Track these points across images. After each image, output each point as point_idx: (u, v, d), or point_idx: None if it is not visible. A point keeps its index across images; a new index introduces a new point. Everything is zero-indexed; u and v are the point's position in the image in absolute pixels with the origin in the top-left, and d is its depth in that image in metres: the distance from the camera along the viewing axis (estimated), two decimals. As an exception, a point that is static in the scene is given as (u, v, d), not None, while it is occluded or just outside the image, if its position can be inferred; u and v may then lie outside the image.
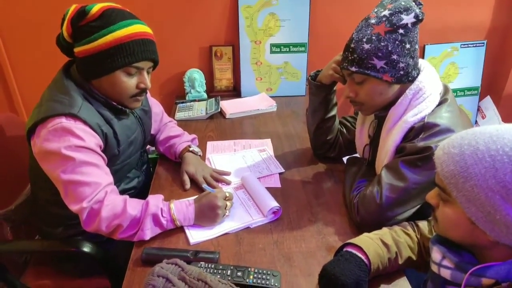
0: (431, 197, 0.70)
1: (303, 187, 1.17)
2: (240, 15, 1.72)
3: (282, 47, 1.79)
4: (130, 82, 1.02)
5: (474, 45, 1.90)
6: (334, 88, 1.18)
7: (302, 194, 1.13)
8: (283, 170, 1.24)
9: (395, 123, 0.97)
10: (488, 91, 2.02)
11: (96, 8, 0.96)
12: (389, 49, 0.91)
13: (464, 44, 1.90)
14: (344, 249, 0.82)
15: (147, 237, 0.95)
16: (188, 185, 1.16)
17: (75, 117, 0.95)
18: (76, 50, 0.98)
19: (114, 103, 1.05)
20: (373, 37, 0.91)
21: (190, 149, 1.26)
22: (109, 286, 1.10)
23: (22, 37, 1.70)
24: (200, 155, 1.28)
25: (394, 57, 0.91)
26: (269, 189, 1.11)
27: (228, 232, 0.99)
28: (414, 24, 0.90)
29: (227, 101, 1.75)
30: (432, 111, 0.93)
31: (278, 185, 1.18)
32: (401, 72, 0.93)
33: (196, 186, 1.17)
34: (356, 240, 0.83)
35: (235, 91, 1.88)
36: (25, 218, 1.20)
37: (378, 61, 0.92)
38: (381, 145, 1.02)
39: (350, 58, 0.96)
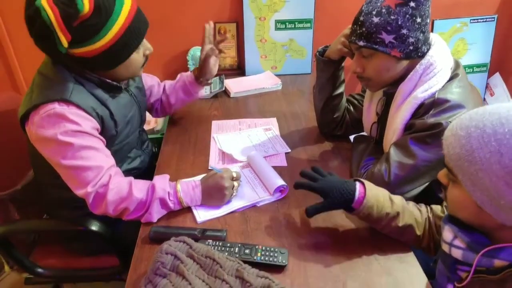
0: (441, 176, 0.69)
1: (309, 166, 1.15)
2: (244, -10, 1.67)
3: (287, 23, 1.75)
4: (140, 56, 1.01)
5: (484, 20, 1.85)
6: (342, 64, 1.16)
7: (309, 173, 1.13)
8: (289, 150, 1.23)
9: (404, 99, 0.95)
10: (497, 68, 1.98)
11: (86, 3, 0.85)
12: (399, 23, 0.88)
13: (474, 19, 1.84)
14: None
15: (155, 220, 0.96)
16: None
17: (67, 102, 0.92)
18: (77, 51, 0.90)
19: (108, 80, 1.01)
20: (383, 10, 0.88)
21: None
22: (118, 263, 1.12)
23: (22, 14, 1.66)
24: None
25: (404, 31, 0.88)
26: (275, 168, 1.11)
27: (235, 211, 0.99)
28: None
29: (231, 79, 1.72)
30: (443, 86, 0.91)
31: (285, 164, 1.17)
32: (411, 48, 0.91)
33: (203, 166, 1.16)
34: (365, 181, 0.86)
35: (239, 70, 1.85)
36: (32, 198, 1.20)
37: (387, 35, 0.89)
38: (390, 123, 1.00)
39: (358, 31, 0.93)
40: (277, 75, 1.76)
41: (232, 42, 1.79)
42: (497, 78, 1.95)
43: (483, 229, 0.66)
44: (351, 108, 1.25)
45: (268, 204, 1.01)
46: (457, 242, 0.67)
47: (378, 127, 1.09)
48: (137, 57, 1.00)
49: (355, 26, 0.95)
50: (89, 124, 0.95)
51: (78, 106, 0.93)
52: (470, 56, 1.91)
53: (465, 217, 0.66)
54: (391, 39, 0.89)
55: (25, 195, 1.21)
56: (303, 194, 1.03)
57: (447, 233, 0.69)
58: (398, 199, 0.86)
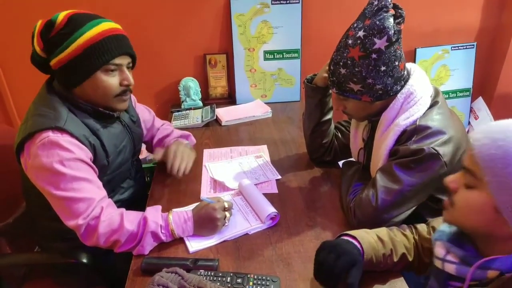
0: (451, 181, 0.68)
1: (300, 192, 1.18)
2: (233, 23, 1.73)
3: (275, 53, 1.81)
4: (112, 81, 1.00)
5: (465, 47, 1.94)
6: (330, 91, 1.20)
7: (299, 199, 1.14)
8: (279, 176, 1.25)
9: (387, 126, 0.99)
10: (479, 92, 2.05)
11: (61, 16, 0.96)
12: (363, 74, 0.93)
13: (455, 47, 1.93)
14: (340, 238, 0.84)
15: (146, 252, 0.96)
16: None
17: (61, 130, 0.94)
18: (53, 63, 0.97)
19: (101, 109, 1.03)
20: (348, 62, 0.94)
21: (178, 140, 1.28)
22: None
23: (16, 47, 1.70)
24: (190, 148, 1.29)
25: (369, 81, 0.94)
26: (266, 195, 1.12)
27: (227, 240, 1.00)
28: (388, 46, 0.91)
29: (222, 108, 1.76)
30: (424, 113, 0.95)
31: (275, 190, 1.18)
32: (380, 92, 0.96)
33: (195, 195, 1.17)
34: (352, 232, 0.85)
35: (230, 99, 1.90)
36: (23, 231, 1.20)
37: (354, 85, 0.95)
38: (375, 149, 1.03)
39: (331, 78, 1.01)
40: (267, 103, 1.80)
41: (223, 72, 1.85)
42: (480, 102, 2.01)
43: (483, 239, 0.66)
44: (339, 134, 1.29)
45: (259, 232, 1.02)
46: (450, 257, 0.67)
47: (365, 153, 1.12)
48: (106, 79, 0.99)
49: (329, 71, 1.01)
50: (82, 152, 0.97)
51: (72, 134, 0.95)
52: (453, 82, 1.99)
53: (475, 223, 0.65)
54: (359, 88, 0.95)
55: (17, 228, 1.21)
56: (294, 221, 1.05)
57: (439, 249, 0.70)
58: (384, 233, 0.86)
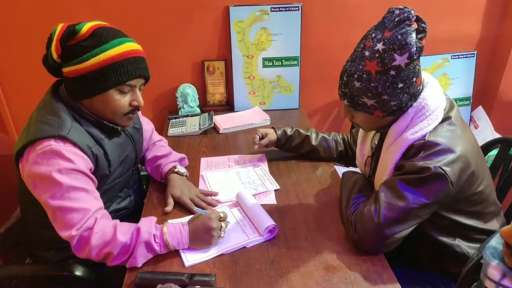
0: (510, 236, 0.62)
1: (299, 204, 1.15)
2: (232, 30, 1.72)
3: (274, 61, 1.79)
4: (123, 100, 1.01)
5: (465, 56, 1.92)
6: (286, 139, 1.34)
7: (298, 211, 1.12)
8: (278, 187, 1.22)
9: (395, 139, 0.95)
10: (479, 101, 2.04)
11: (86, 27, 0.94)
12: (379, 90, 0.88)
13: (455, 55, 1.92)
14: None
15: (140, 264, 0.93)
16: (170, 207, 1.12)
17: (64, 139, 0.93)
18: (66, 70, 0.96)
19: (106, 122, 1.03)
20: (364, 75, 0.88)
21: (175, 170, 1.23)
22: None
23: (12, 56, 1.68)
24: (186, 176, 1.25)
25: (385, 97, 0.89)
26: (264, 206, 1.10)
27: (223, 253, 0.97)
28: (408, 64, 0.85)
29: (220, 115, 1.74)
30: (434, 128, 0.90)
31: (274, 202, 1.16)
32: (394, 108, 0.92)
33: (183, 207, 1.14)
34: None
35: (228, 106, 1.88)
36: (15, 241, 1.17)
37: (368, 99, 0.90)
38: (381, 161, 1.00)
39: (342, 89, 0.95)
40: (266, 111, 1.79)
41: (221, 79, 1.83)
42: (480, 111, 2.00)
43: None
44: (352, 143, 1.29)
45: (257, 245, 0.99)
46: (506, 282, 0.63)
47: (372, 161, 1.09)
48: (118, 98, 0.99)
49: (340, 81, 0.96)
50: (83, 163, 0.95)
51: (75, 144, 0.94)
52: (453, 90, 1.97)
53: None
54: (373, 103, 0.91)
55: (8, 238, 1.17)
56: (293, 234, 1.03)
57: (494, 271, 0.65)
58: None
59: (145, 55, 1.03)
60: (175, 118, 1.74)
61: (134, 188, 1.24)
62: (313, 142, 1.32)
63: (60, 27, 0.95)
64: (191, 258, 0.95)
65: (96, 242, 0.91)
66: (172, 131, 1.61)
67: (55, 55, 0.95)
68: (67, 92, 1.00)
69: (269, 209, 1.09)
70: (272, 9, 1.71)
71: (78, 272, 0.98)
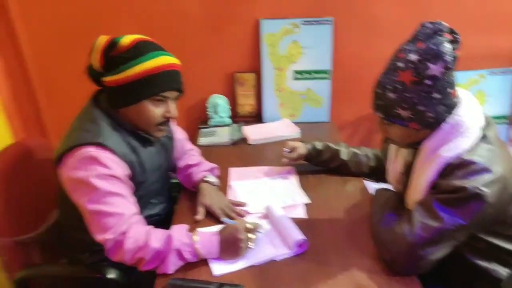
0: None
1: (328, 219, 1.14)
2: (263, 42, 1.75)
3: (304, 73, 1.80)
4: (156, 111, 1.04)
5: (502, 72, 1.87)
6: (315, 153, 1.34)
7: (328, 226, 1.11)
8: (308, 201, 1.22)
9: (429, 156, 0.92)
10: (517, 119, 1.96)
11: (128, 40, 0.99)
12: (415, 100, 0.86)
13: (491, 71, 1.86)
14: None
15: (170, 271, 0.95)
16: (201, 216, 1.14)
17: (102, 146, 0.97)
18: (106, 79, 1.01)
19: (140, 132, 1.07)
20: (398, 86, 0.87)
21: (207, 179, 1.25)
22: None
23: (54, 66, 1.78)
24: (217, 186, 1.26)
25: (421, 108, 0.87)
26: (294, 220, 1.10)
27: (252, 265, 0.97)
28: (443, 73, 0.84)
29: (250, 126, 1.76)
30: (471, 147, 0.87)
31: (304, 216, 1.15)
32: (430, 120, 0.89)
33: (212, 216, 1.15)
34: None
35: (257, 117, 1.90)
36: (53, 242, 1.22)
37: (403, 111, 0.88)
38: (415, 177, 0.98)
39: (376, 102, 0.94)
40: (295, 123, 1.79)
41: (251, 91, 1.86)
42: (518, 129, 1.92)
43: None
44: (384, 158, 1.25)
45: (286, 259, 0.99)
46: None
47: (405, 178, 1.05)
48: (152, 108, 1.03)
49: (374, 93, 0.95)
50: (120, 169, 0.99)
51: (112, 151, 0.98)
52: (489, 108, 1.91)
53: None
54: (409, 114, 0.88)
55: (46, 238, 1.23)
56: (323, 248, 1.02)
57: None
58: None
59: (180, 69, 1.07)
60: (206, 128, 1.77)
61: (166, 196, 1.28)
62: (343, 157, 1.31)
63: (103, 39, 1.00)
64: (219, 268, 0.96)
65: (129, 246, 0.94)
66: (202, 140, 1.65)
67: (97, 65, 1.01)
68: (106, 101, 1.05)
69: (298, 222, 1.09)
70: (303, 23, 1.72)
71: (111, 275, 1.01)
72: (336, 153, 1.32)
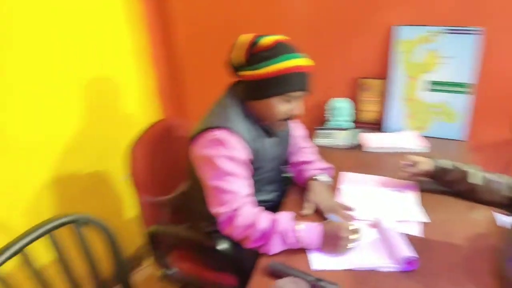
0: None
1: (446, 243, 1.04)
2: (396, 49, 1.67)
3: (441, 85, 1.66)
4: (282, 108, 1.12)
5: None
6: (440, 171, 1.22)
7: (445, 251, 1.01)
8: (428, 220, 1.13)
9: None
10: None
11: (270, 40, 1.08)
12: None
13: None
14: None
15: (271, 253, 1.01)
16: (307, 211, 1.17)
17: (230, 130, 1.08)
18: (242, 73, 1.13)
19: (263, 123, 1.17)
20: None
21: (319, 177, 1.27)
22: (236, 284, 1.19)
23: (200, 58, 2.04)
24: (328, 185, 1.27)
25: None
26: (408, 236, 1.04)
27: (352, 269, 0.96)
28: None
29: (370, 133, 1.70)
30: None
31: (419, 234, 1.07)
32: None
33: (317, 213, 1.17)
34: None
35: (379, 125, 1.82)
36: (180, 207, 1.41)
37: None
38: None
39: None
40: (421, 136, 1.66)
41: (376, 97, 1.79)
42: None
43: None
44: None
45: (390, 273, 0.95)
46: None
47: None
48: (278, 106, 1.11)
49: None
50: (244, 153, 1.10)
51: (239, 136, 1.09)
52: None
53: None
54: None
55: (176, 203, 1.43)
56: (435, 272, 0.94)
57: None
58: None
59: (310, 71, 1.12)
60: (323, 129, 1.79)
61: (279, 186, 1.34)
62: (474, 181, 1.17)
63: (248, 37, 1.11)
64: (318, 263, 0.98)
65: (239, 223, 1.03)
66: (318, 141, 1.67)
67: (238, 60, 1.12)
68: (240, 93, 1.17)
69: (412, 240, 1.02)
70: (445, 31, 1.58)
71: (221, 246, 1.13)
72: (465, 175, 1.19)
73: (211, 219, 1.17)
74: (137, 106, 1.94)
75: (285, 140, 1.31)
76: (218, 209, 1.06)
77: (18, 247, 0.88)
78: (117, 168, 1.70)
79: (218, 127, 1.09)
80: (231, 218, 1.05)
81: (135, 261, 1.92)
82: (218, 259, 1.23)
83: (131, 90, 1.89)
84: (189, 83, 2.13)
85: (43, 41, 1.40)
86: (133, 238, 1.67)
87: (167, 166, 1.45)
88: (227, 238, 1.11)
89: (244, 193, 1.08)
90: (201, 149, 1.10)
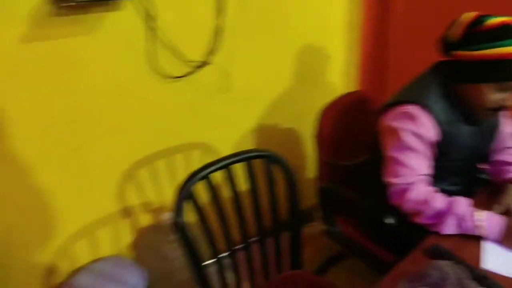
0: None
1: None
2: None
3: None
4: (492, 97, 1.02)
5: None
6: None
7: None
8: None
9: None
10: None
11: (496, 20, 0.98)
12: None
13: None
14: None
15: (443, 232, 0.98)
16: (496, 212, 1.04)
17: (425, 108, 1.06)
18: (459, 53, 1.03)
19: (467, 109, 1.08)
20: None
21: None
22: (391, 260, 1.19)
23: (409, 39, 1.96)
24: None
25: None
26: None
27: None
28: None
29: None
30: None
31: None
32: None
33: None
34: None
35: None
36: (360, 173, 1.45)
37: None
38: None
39: None
40: None
41: None
42: None
43: None
44: None
45: None
46: None
47: None
48: (489, 93, 1.01)
49: None
50: (431, 133, 1.07)
51: (432, 115, 1.06)
52: None
53: None
54: None
55: (356, 169, 1.48)
56: None
57: None
58: None
59: None
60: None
61: (465, 181, 1.23)
62: None
63: (470, 14, 1.03)
64: (491, 263, 0.90)
65: (411, 197, 1.04)
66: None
67: (455, 38, 1.04)
68: (447, 72, 1.10)
69: None
70: None
71: (388, 220, 1.16)
72: None
73: (384, 193, 1.18)
74: (337, 75, 2.07)
75: (488, 133, 1.17)
76: (392, 179, 1.08)
77: (225, 163, 1.06)
78: (308, 129, 1.90)
79: (412, 102, 1.08)
80: (404, 190, 1.06)
81: (306, 216, 2.12)
82: (380, 231, 1.27)
83: (335, 61, 2.03)
84: (392, 61, 2.09)
85: (271, 9, 1.66)
86: (309, 195, 1.84)
87: (351, 135, 1.53)
88: (395, 214, 1.12)
89: (420, 171, 1.06)
90: (390, 120, 1.12)
